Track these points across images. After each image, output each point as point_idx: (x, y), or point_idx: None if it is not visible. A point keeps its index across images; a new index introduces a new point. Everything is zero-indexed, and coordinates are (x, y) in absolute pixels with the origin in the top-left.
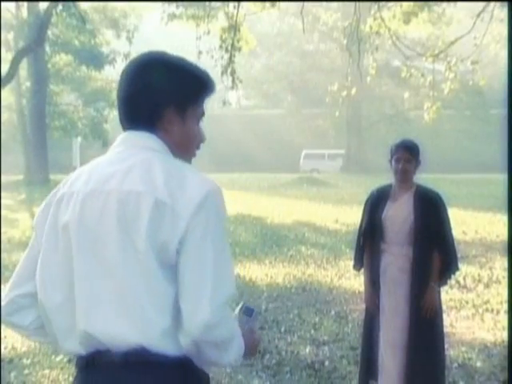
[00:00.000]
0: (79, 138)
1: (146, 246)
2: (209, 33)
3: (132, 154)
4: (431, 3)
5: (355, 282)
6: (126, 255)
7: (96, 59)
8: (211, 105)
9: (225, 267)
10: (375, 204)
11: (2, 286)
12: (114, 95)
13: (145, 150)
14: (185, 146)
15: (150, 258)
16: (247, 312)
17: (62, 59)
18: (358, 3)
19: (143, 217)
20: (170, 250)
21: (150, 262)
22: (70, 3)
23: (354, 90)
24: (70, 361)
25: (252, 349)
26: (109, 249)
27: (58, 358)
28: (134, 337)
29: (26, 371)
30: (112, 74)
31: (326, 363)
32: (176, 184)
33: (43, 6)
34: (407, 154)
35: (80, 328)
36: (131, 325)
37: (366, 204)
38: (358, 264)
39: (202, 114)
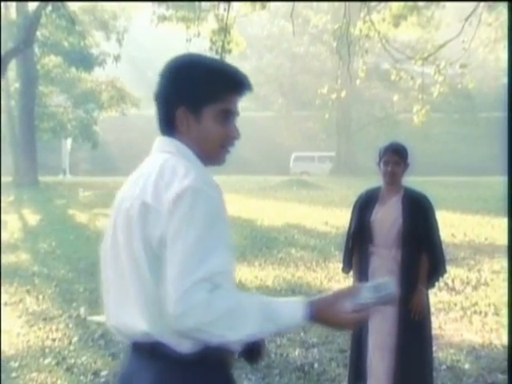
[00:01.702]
0: (69, 140)
1: (138, 246)
2: (199, 35)
3: (148, 160)
4: (420, 6)
5: (345, 284)
6: (129, 256)
7: (85, 61)
8: None
9: (196, 255)
10: (364, 207)
11: (2, 288)
12: (104, 97)
13: (160, 154)
14: (204, 145)
15: (142, 257)
16: (373, 288)
17: (51, 60)
18: (347, 6)
19: (134, 219)
20: (155, 249)
21: (141, 261)
22: (59, 4)
23: (343, 93)
24: (58, 363)
25: (328, 323)
26: (122, 252)
27: (46, 361)
28: (141, 327)
29: (14, 374)
30: (102, 76)
31: (316, 365)
32: (164, 185)
33: (32, 6)
34: (396, 157)
35: (109, 323)
36: (134, 317)
37: (354, 207)
38: (347, 267)
39: (228, 111)
